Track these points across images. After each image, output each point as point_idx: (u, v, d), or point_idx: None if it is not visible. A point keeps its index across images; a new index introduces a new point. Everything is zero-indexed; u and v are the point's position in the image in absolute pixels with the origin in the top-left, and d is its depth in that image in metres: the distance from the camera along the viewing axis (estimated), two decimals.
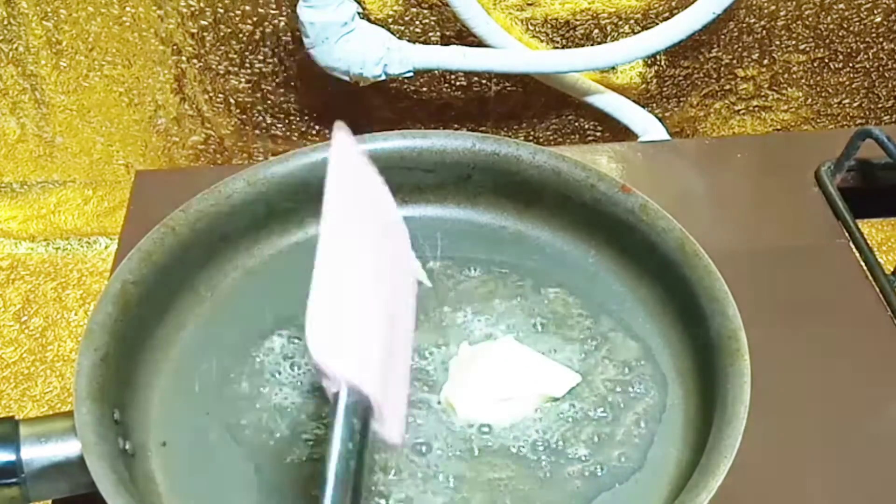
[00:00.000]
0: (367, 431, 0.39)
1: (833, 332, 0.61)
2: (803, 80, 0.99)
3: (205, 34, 0.92)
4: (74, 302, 0.97)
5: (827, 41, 0.97)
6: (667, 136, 0.97)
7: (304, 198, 0.59)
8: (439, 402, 0.51)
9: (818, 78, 0.99)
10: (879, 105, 1.02)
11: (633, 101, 0.96)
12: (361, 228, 0.44)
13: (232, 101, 0.97)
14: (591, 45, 0.94)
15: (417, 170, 0.60)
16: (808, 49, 0.97)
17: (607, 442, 0.50)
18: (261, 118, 0.98)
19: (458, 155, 0.59)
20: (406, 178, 0.60)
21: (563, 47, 0.94)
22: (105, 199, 1.03)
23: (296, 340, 0.55)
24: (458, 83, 0.96)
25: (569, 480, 0.49)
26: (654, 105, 0.99)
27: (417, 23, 0.92)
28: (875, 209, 0.73)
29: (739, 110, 1.02)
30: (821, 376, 0.58)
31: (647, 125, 0.96)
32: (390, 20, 0.91)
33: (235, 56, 0.93)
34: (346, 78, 0.88)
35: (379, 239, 0.46)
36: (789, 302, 0.62)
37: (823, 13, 0.94)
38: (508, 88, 0.97)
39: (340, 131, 0.44)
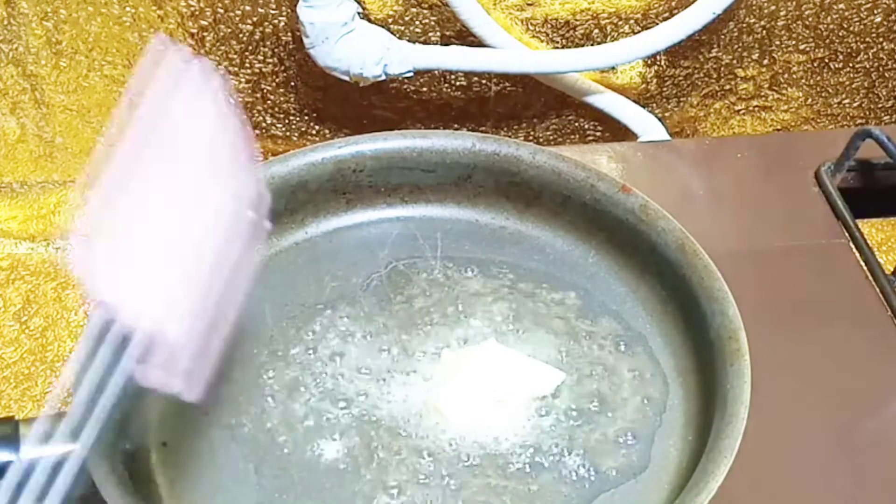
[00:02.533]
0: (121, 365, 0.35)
1: (833, 332, 0.61)
2: (803, 80, 0.99)
3: (205, 34, 0.92)
4: (74, 302, 0.96)
5: (827, 41, 0.97)
6: (667, 136, 0.97)
7: (304, 198, 0.59)
8: (429, 407, 0.51)
9: (818, 78, 0.99)
10: (879, 105, 1.02)
11: (633, 101, 0.96)
12: (181, 149, 0.40)
13: (232, 101, 0.97)
14: (591, 45, 0.94)
15: (417, 170, 0.60)
16: (808, 49, 0.97)
17: (607, 442, 0.50)
18: (261, 118, 0.98)
19: (458, 155, 0.59)
20: (406, 178, 0.60)
21: (563, 47, 0.94)
22: None
23: (295, 339, 0.55)
24: (458, 83, 0.96)
25: (568, 481, 0.49)
26: (654, 105, 0.99)
27: (417, 23, 0.92)
28: (875, 209, 0.73)
29: (739, 110, 1.02)
30: (821, 376, 0.58)
31: (647, 125, 0.96)
32: (390, 20, 0.91)
33: (235, 56, 0.93)
34: (346, 78, 0.88)
35: (204, 166, 0.41)
36: (789, 302, 0.62)
37: (823, 13, 0.94)
38: (508, 88, 0.97)
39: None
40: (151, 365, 0.36)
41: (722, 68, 0.98)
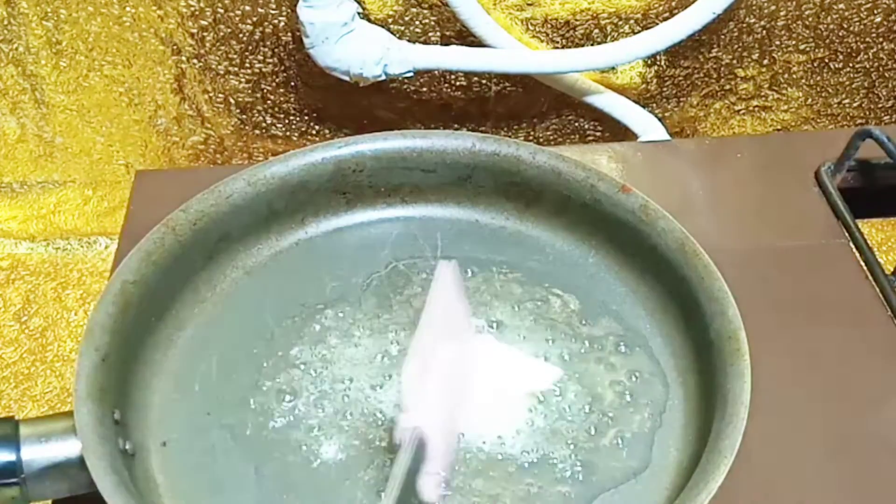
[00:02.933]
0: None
1: (833, 332, 0.61)
2: (803, 80, 0.99)
3: (205, 34, 0.92)
4: (74, 302, 0.97)
5: (827, 41, 0.97)
6: (667, 136, 0.97)
7: (304, 198, 0.59)
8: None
9: (818, 78, 0.99)
10: (879, 105, 1.02)
11: (633, 101, 0.96)
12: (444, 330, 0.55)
13: (232, 101, 0.97)
14: (591, 45, 0.94)
15: (417, 170, 0.60)
16: (808, 49, 0.97)
17: (607, 442, 0.50)
18: (261, 118, 0.98)
19: (458, 155, 0.59)
20: (406, 178, 0.60)
21: (563, 47, 0.94)
22: (105, 199, 1.03)
23: (295, 339, 0.55)
24: (458, 83, 0.96)
25: (568, 481, 0.49)
26: (654, 105, 0.99)
27: (417, 23, 0.92)
28: (875, 209, 0.73)
29: (739, 110, 1.02)
30: (821, 376, 0.58)
31: (647, 125, 0.96)
32: (390, 20, 0.91)
33: (235, 56, 0.93)
34: (346, 78, 0.88)
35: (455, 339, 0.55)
36: (789, 302, 0.62)
37: (823, 13, 0.94)
38: (508, 88, 0.97)
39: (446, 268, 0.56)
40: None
41: (722, 68, 0.98)
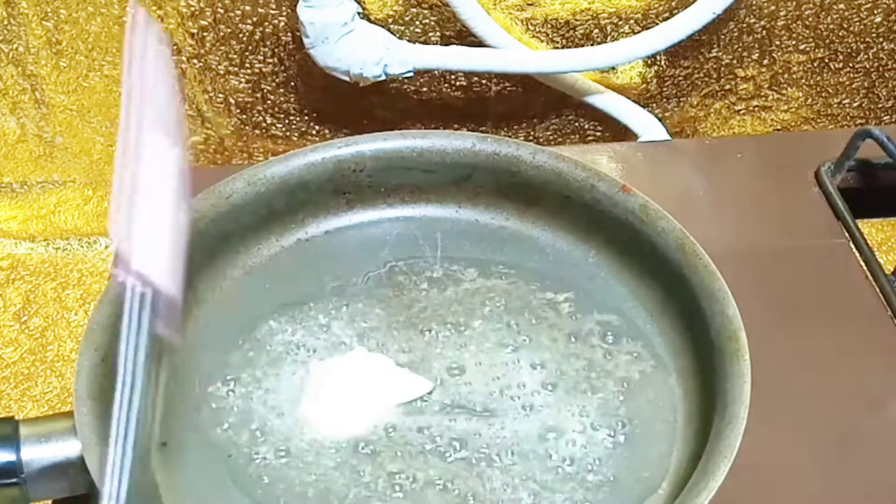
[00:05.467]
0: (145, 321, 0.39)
1: (833, 332, 0.61)
2: (803, 80, 0.99)
3: (205, 34, 0.92)
4: (74, 302, 0.97)
5: (827, 41, 0.97)
6: (667, 136, 0.97)
7: (304, 198, 0.59)
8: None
9: (818, 78, 0.99)
10: (879, 105, 1.02)
11: (633, 101, 0.96)
12: (152, 116, 0.44)
13: (232, 101, 0.97)
14: (591, 45, 0.94)
15: (417, 170, 0.60)
16: (808, 49, 0.97)
17: (606, 442, 0.50)
18: (261, 118, 0.98)
19: (458, 155, 0.59)
20: (406, 178, 0.60)
21: (563, 47, 0.94)
22: (105, 199, 1.03)
23: (295, 339, 0.55)
24: (458, 83, 0.96)
25: (567, 481, 0.49)
26: (654, 105, 0.99)
27: (417, 23, 0.92)
28: (875, 209, 0.73)
29: (739, 110, 1.02)
30: (821, 376, 0.58)
31: (647, 125, 0.96)
32: (390, 20, 0.91)
33: (235, 56, 0.93)
34: (346, 78, 0.88)
35: (160, 122, 0.45)
36: (789, 302, 0.62)
37: (823, 13, 0.94)
38: (508, 88, 0.97)
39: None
40: (161, 318, 0.39)
41: (722, 68, 0.98)
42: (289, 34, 0.92)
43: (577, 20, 0.93)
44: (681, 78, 0.98)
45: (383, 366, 0.53)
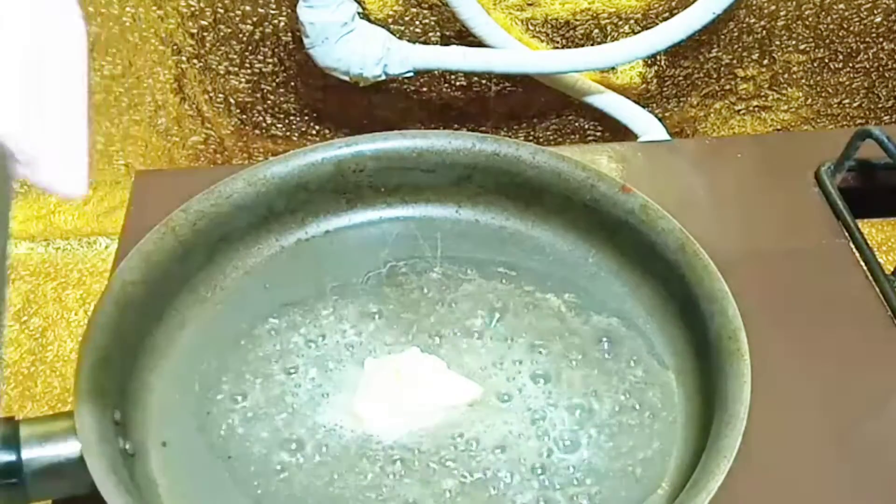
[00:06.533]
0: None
1: (833, 332, 0.61)
2: (803, 80, 0.99)
3: (205, 34, 0.92)
4: (74, 302, 0.97)
5: (827, 41, 0.97)
6: (667, 136, 0.97)
7: (304, 198, 0.59)
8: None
9: (818, 78, 0.99)
10: (879, 105, 1.02)
11: (633, 101, 0.96)
12: None
13: (232, 101, 0.97)
14: (591, 45, 0.94)
15: (417, 170, 0.60)
16: (808, 49, 0.97)
17: (607, 442, 0.50)
18: (261, 118, 0.98)
19: (458, 155, 0.59)
20: (406, 178, 0.60)
21: (563, 47, 0.94)
22: (105, 199, 1.03)
23: (295, 339, 0.55)
24: (458, 83, 0.96)
25: (568, 481, 0.49)
26: (654, 105, 0.99)
27: (417, 23, 0.92)
28: (875, 209, 0.73)
29: (739, 110, 1.02)
30: (821, 376, 0.58)
31: (647, 125, 0.96)
32: (390, 20, 0.91)
33: (235, 56, 0.93)
34: (346, 78, 0.88)
35: None
36: (789, 302, 0.62)
37: (823, 13, 0.94)
38: (508, 88, 0.97)
39: None
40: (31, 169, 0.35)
41: (722, 68, 0.98)
42: (289, 34, 0.92)
43: (577, 20, 0.93)
44: (681, 78, 0.98)
45: (432, 367, 0.53)
